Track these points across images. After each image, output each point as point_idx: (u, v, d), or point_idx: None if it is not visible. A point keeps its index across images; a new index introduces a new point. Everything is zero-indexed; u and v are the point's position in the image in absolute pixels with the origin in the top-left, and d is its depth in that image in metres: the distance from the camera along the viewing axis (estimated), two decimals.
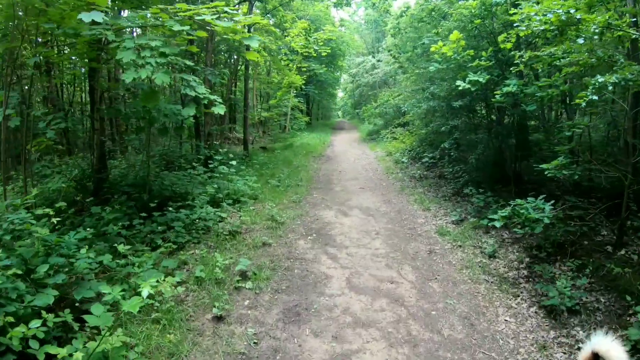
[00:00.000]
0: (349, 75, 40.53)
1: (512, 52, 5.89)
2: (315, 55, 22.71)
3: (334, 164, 14.76)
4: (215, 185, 8.52)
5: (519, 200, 5.54)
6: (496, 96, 6.45)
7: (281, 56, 21.34)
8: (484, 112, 8.96)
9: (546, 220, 5.06)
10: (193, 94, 6.39)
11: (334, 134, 29.13)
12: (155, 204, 6.98)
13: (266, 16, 17.28)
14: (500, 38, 6.12)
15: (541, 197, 5.82)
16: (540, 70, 6.88)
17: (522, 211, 5.32)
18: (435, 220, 7.95)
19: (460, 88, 6.44)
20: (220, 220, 7.42)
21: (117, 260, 5.09)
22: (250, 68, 25.73)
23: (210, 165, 9.36)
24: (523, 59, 5.40)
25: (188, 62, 6.54)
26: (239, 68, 18.64)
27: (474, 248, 6.57)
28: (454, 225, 7.58)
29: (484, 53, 6.86)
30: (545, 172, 5.47)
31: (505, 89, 6.30)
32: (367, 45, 39.01)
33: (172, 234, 6.51)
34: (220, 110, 6.74)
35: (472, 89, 6.54)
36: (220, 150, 12.71)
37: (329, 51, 23.23)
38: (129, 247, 5.30)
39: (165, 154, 13.00)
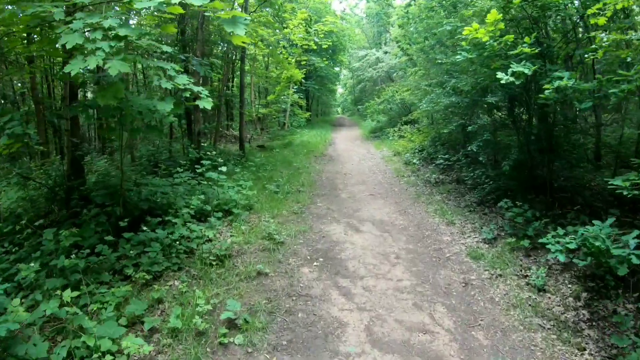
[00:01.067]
0: (349, 70, 39.29)
1: (593, 34, 4.64)
2: (315, 47, 21.38)
3: (337, 165, 13.51)
4: (203, 196, 7.28)
5: (590, 229, 4.30)
6: (545, 91, 5.21)
7: (280, 49, 20.06)
8: (517, 109, 7.69)
9: (635, 261, 3.81)
10: (169, 85, 5.17)
11: (335, 131, 27.85)
12: (130, 219, 5.82)
13: (263, 4, 15.98)
14: (591, 10, 4.88)
15: (610, 220, 4.61)
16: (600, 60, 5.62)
17: (596, 243, 4.09)
18: (463, 237, 6.71)
19: (503, 81, 5.17)
20: (207, 239, 6.20)
21: (67, 308, 3.89)
22: (247, 62, 24.51)
23: (198, 170, 8.13)
24: (604, 43, 4.14)
25: (165, 48, 5.28)
26: (235, 60, 17.36)
27: (517, 278, 5.35)
28: (486, 246, 6.35)
29: (527, 39, 5.59)
30: (625, 193, 4.20)
31: (557, 83, 5.06)
32: (369, 39, 37.71)
33: (146, 259, 5.30)
34: (206, 104, 5.55)
35: (517, 82, 5.27)
36: (212, 151, 11.48)
37: (330, 44, 21.97)
38: (92, 279, 4.11)
39: (153, 155, 11.81)
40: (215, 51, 15.72)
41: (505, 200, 6.78)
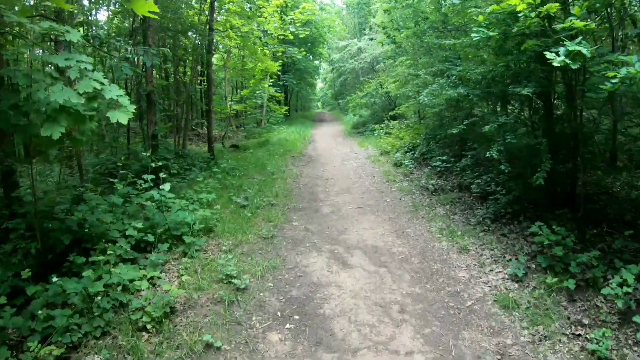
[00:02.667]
0: (329, 63, 37.63)
1: None
2: (292, 37, 19.63)
3: (317, 168, 11.86)
4: (146, 221, 5.58)
5: None
6: (607, 83, 3.66)
7: (254, 39, 18.27)
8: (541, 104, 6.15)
9: None
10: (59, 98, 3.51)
11: (315, 126, 26.17)
12: (53, 257, 4.21)
13: None
14: None
15: None
16: None
17: None
18: (483, 273, 5.13)
19: (556, 62, 3.60)
20: (139, 289, 4.53)
21: None
22: (221, 55, 22.61)
23: (144, 185, 6.40)
24: None
25: (57, 27, 3.63)
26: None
27: (568, 339, 3.82)
28: (516, 285, 4.80)
29: (576, 9, 4.01)
30: None
31: (626, 71, 3.51)
32: (350, 30, 36.06)
33: (59, 321, 3.67)
34: (121, 117, 3.91)
35: (573, 66, 3.69)
36: (169, 158, 9.75)
37: (308, 33, 20.23)
38: None
39: (105, 165, 10.04)
40: (184, 42, 13.88)
41: (539, 224, 5.22)
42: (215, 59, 21.48)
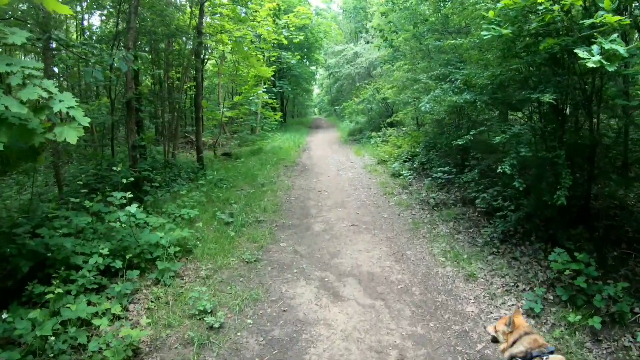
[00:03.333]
0: (325, 69, 37.11)
1: None
2: (286, 42, 19.01)
3: (311, 179, 11.20)
4: (107, 247, 4.90)
5: None
6: None
7: (247, 43, 17.68)
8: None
9: None
10: None
11: (311, 133, 25.55)
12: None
13: None
14: None
15: None
16: None
17: None
18: (494, 306, 4.47)
19: (590, 63, 2.97)
20: (96, 328, 3.90)
21: None
22: (215, 61, 21.98)
23: (116, 201, 5.74)
24: None
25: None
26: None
27: None
28: (532, 322, 4.15)
29: (606, 3, 3.39)
30: None
31: None
32: (346, 35, 35.58)
33: None
34: (70, 135, 3.34)
35: (610, 68, 3.07)
36: (151, 170, 9.08)
37: (303, 38, 19.64)
38: None
39: (86, 175, 9.42)
40: (176, 47, 13.25)
41: (559, 251, 4.58)
42: (210, 64, 20.94)
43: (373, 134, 16.45)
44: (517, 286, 4.81)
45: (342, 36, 34.22)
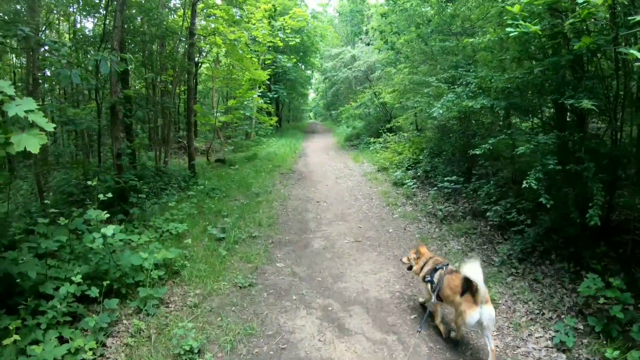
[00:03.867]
0: (321, 73, 36.64)
1: None
2: (281, 44, 18.51)
3: (308, 188, 10.64)
4: (80, 275, 4.32)
5: None
6: None
7: (241, 46, 17.15)
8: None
9: None
10: None
11: (307, 138, 25.00)
12: None
13: None
14: None
15: None
16: None
17: None
18: (520, 339, 3.91)
19: None
20: None
21: None
22: (209, 64, 21.42)
23: (92, 217, 5.16)
24: None
25: None
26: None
27: None
28: (564, 357, 3.63)
29: None
30: None
31: None
32: (343, 39, 35.10)
33: None
34: (31, 144, 2.80)
35: None
36: (137, 180, 8.49)
37: (298, 40, 19.12)
38: None
39: (71, 183, 8.87)
40: (167, 48, 12.69)
41: (592, 276, 4.06)
42: (204, 68, 20.38)
43: (372, 139, 15.93)
44: (543, 314, 4.28)
45: (339, 39, 33.73)
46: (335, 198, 9.36)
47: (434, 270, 4.07)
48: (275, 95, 24.60)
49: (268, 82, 21.58)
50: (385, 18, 11.57)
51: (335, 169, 13.44)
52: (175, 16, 12.35)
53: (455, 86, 5.99)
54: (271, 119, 19.60)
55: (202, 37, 14.36)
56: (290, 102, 38.64)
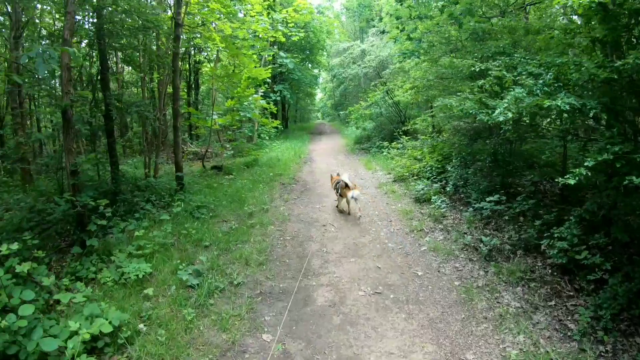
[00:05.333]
0: (328, 72, 34.92)
1: None
2: (284, 39, 16.78)
3: (313, 204, 8.90)
4: None
5: None
6: None
7: (238, 42, 15.47)
8: None
9: None
10: None
11: (314, 140, 23.25)
12: None
13: None
14: None
15: None
16: None
17: None
18: None
19: None
20: None
21: None
22: (207, 64, 19.77)
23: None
24: None
25: None
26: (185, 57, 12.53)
27: None
28: None
29: None
30: None
31: None
32: (350, 35, 33.33)
33: None
34: None
35: None
36: (98, 196, 6.81)
37: (303, 35, 17.40)
38: None
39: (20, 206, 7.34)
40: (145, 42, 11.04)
41: None
42: (209, 68, 18.78)
43: (385, 143, 14.17)
44: None
45: (346, 35, 31.98)
46: (345, 220, 7.61)
47: (337, 184, 8.11)
48: (278, 97, 22.92)
49: (269, 80, 19.89)
50: (402, 3, 9.79)
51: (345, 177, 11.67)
52: (154, 2, 10.67)
53: (530, 78, 4.19)
54: (272, 122, 17.88)
55: (199, 34, 12.76)
56: (296, 103, 36.98)
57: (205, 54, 22.49)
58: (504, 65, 4.47)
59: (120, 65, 13.70)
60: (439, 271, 5.29)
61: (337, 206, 8.30)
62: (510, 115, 3.82)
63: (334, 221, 7.55)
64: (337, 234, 6.82)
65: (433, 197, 7.94)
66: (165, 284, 5.09)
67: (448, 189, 7.92)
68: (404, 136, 13.06)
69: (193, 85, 24.23)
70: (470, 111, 4.74)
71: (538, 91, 3.78)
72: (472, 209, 6.96)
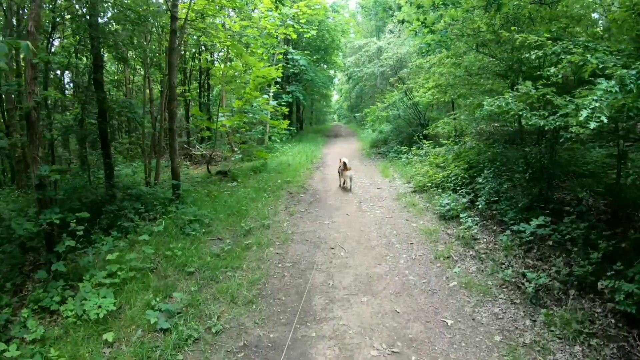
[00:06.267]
0: (344, 73, 33.78)
1: None
2: (295, 36, 15.73)
3: (321, 219, 7.81)
4: None
5: None
6: None
7: (246, 38, 14.50)
8: None
9: None
10: None
11: (328, 143, 22.16)
12: None
13: None
14: None
15: None
16: None
17: None
18: None
19: None
20: None
21: None
22: (217, 63, 18.89)
23: None
24: None
25: None
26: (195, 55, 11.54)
27: None
28: None
29: None
30: None
31: None
32: (366, 35, 32.08)
33: None
34: None
35: None
36: (69, 212, 5.84)
37: (314, 32, 16.30)
38: None
39: None
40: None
41: None
42: (216, 68, 17.86)
43: (404, 148, 13.01)
44: None
45: (362, 35, 30.79)
46: (357, 241, 6.49)
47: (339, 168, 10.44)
48: (291, 98, 21.89)
49: (279, 79, 18.89)
50: None
51: (360, 186, 10.55)
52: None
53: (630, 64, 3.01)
54: (281, 123, 16.83)
55: (202, 32, 11.81)
56: (311, 105, 35.96)
57: (216, 54, 21.65)
58: (580, 48, 3.30)
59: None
60: (473, 319, 4.13)
61: (339, 183, 10.70)
62: (604, 119, 2.67)
63: (344, 242, 6.43)
64: (347, 261, 5.70)
65: (461, 215, 6.76)
66: (133, 323, 4.09)
67: (480, 205, 6.72)
68: (425, 140, 11.88)
69: (206, 87, 23.40)
70: (521, 113, 3.60)
71: (632, 85, 2.63)
72: (510, 231, 5.79)
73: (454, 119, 10.47)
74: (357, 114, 30.05)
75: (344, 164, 10.23)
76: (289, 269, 5.47)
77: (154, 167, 11.32)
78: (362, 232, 6.88)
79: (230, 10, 14.08)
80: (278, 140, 18.84)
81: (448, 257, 5.61)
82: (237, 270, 5.37)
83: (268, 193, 9.90)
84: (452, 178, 8.60)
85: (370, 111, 16.72)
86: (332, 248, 6.17)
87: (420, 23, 8.37)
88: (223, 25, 14.48)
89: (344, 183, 10.42)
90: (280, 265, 5.60)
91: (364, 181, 11.21)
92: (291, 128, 21.58)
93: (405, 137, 15.50)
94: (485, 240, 5.99)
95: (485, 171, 7.14)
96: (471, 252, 5.68)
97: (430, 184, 9.06)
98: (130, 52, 10.78)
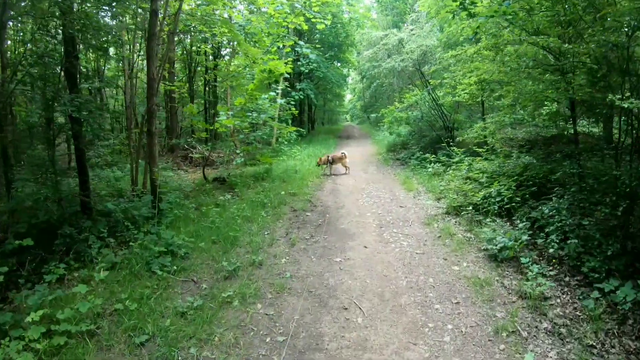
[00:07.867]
0: (357, 72, 31.93)
1: None
2: (306, 27, 13.96)
3: (331, 254, 6.01)
4: None
5: None
6: None
7: (249, 27, 12.81)
8: None
9: None
10: None
11: (340, 145, 20.35)
12: None
13: None
14: None
15: None
16: None
17: None
18: None
19: None
20: None
21: None
22: (219, 60, 17.33)
23: None
24: None
25: None
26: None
27: None
28: None
29: None
30: None
31: None
32: (382, 30, 30.19)
33: None
34: None
35: None
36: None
37: (328, 23, 14.49)
38: None
39: None
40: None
41: None
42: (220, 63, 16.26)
43: (431, 156, 11.17)
44: None
45: (378, 30, 28.94)
46: (380, 295, 4.68)
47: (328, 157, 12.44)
48: (302, 95, 20.21)
49: (289, 76, 17.19)
50: None
51: (378, 203, 8.75)
52: None
53: None
54: (287, 127, 15.09)
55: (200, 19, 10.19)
56: (324, 104, 34.26)
57: (225, 50, 19.99)
58: None
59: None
60: None
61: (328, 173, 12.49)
62: None
63: (362, 296, 4.62)
64: (366, 333, 3.90)
65: (522, 259, 4.92)
66: None
67: (551, 249, 4.86)
68: (455, 148, 10.03)
69: (212, 84, 21.83)
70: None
71: None
72: (597, 291, 3.98)
73: (485, 125, 8.68)
74: (371, 115, 28.27)
75: (340, 155, 12.75)
76: (279, 349, 3.70)
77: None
78: (386, 278, 5.07)
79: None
80: (285, 142, 17.13)
81: (512, 332, 3.78)
82: (205, 346, 3.64)
83: (267, 210, 8.18)
84: (496, 198, 6.77)
85: (387, 112, 14.93)
86: (345, 308, 4.37)
87: (457, 4, 6.54)
88: (230, 18, 12.90)
89: (331, 171, 12.55)
90: (268, 340, 3.83)
91: (383, 195, 9.41)
92: (301, 129, 19.86)
93: (429, 142, 13.66)
94: (560, 301, 4.16)
95: (554, 199, 5.28)
96: (544, 324, 3.84)
97: (467, 204, 7.24)
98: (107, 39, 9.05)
